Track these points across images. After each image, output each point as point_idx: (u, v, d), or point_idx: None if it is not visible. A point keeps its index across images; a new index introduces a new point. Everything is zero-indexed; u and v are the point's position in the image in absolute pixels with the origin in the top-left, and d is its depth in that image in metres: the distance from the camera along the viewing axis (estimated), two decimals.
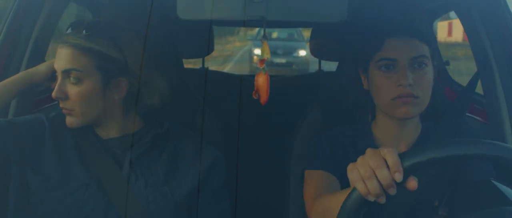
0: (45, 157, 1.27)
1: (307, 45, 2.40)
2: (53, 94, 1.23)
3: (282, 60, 11.97)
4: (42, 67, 1.33)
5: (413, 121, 1.31)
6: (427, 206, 1.23)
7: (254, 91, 1.12)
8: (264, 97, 1.12)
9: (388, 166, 0.88)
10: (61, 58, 1.24)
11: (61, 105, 1.26)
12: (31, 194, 1.23)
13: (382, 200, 0.89)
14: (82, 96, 1.24)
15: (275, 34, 12.75)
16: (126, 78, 1.27)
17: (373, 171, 0.88)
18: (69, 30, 1.27)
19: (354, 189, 0.91)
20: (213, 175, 1.34)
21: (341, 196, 1.02)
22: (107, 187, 1.25)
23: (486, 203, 0.93)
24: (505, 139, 1.41)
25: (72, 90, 1.24)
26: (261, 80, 1.11)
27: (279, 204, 1.61)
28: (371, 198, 0.89)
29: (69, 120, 1.27)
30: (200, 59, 2.53)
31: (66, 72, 1.24)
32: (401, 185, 0.88)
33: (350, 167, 0.93)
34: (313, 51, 2.25)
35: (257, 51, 12.29)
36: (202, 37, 2.20)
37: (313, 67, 2.62)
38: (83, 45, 1.24)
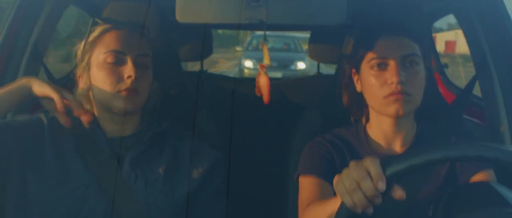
0: (45, 157, 1.27)
1: (307, 56, 2.37)
2: (133, 75, 1.26)
3: (277, 74, 10.28)
4: (39, 86, 1.25)
5: (407, 121, 1.32)
6: (425, 207, 1.23)
7: (256, 89, 1.12)
8: (266, 97, 1.12)
9: (371, 177, 0.89)
10: (134, 41, 1.30)
11: (125, 86, 1.27)
12: (31, 193, 1.23)
13: (370, 211, 0.90)
14: (147, 81, 1.32)
15: (269, 44, 11.14)
16: None
17: (357, 183, 0.89)
18: (105, 19, 1.35)
19: (342, 203, 0.92)
20: (213, 176, 1.35)
21: (329, 205, 1.05)
22: (107, 187, 1.25)
23: (484, 205, 0.94)
24: (503, 141, 1.41)
25: (141, 73, 1.29)
26: (263, 81, 1.12)
27: (278, 205, 1.61)
28: (358, 210, 0.90)
29: (127, 102, 1.28)
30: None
31: (141, 56, 1.30)
32: (387, 195, 0.89)
33: (335, 179, 0.94)
34: (312, 54, 2.25)
35: (248, 63, 11.14)
36: (201, 40, 2.20)
37: None
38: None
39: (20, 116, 1.33)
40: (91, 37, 1.33)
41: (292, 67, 11.13)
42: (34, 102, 1.67)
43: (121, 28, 1.33)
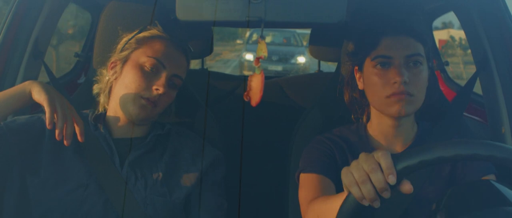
0: (45, 158, 1.26)
1: (307, 50, 2.41)
2: (162, 91, 1.28)
3: (278, 68, 10.77)
4: (38, 93, 1.20)
5: (408, 120, 1.32)
6: (425, 207, 1.23)
7: (245, 93, 1.12)
8: (255, 98, 1.12)
9: (381, 169, 0.88)
10: (176, 57, 1.35)
11: (151, 96, 1.28)
12: (31, 194, 1.23)
13: (377, 204, 0.89)
14: (172, 97, 1.35)
15: (269, 38, 11.69)
16: None
17: (367, 175, 0.89)
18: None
19: (350, 193, 0.91)
20: (212, 171, 1.35)
21: (335, 201, 1.04)
22: (106, 187, 1.25)
23: (485, 203, 0.93)
24: (504, 139, 1.41)
25: (171, 89, 1.33)
26: (255, 81, 1.11)
27: (279, 203, 1.61)
28: (366, 203, 0.90)
29: (148, 112, 1.30)
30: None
31: (174, 77, 1.33)
32: (395, 189, 0.89)
33: (344, 171, 0.94)
34: (313, 52, 2.25)
35: (249, 56, 11.34)
36: (202, 38, 2.20)
37: None
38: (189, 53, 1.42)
39: (21, 116, 1.32)
40: (142, 35, 1.35)
41: (292, 61, 11.22)
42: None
43: (173, 43, 1.35)
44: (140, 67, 1.30)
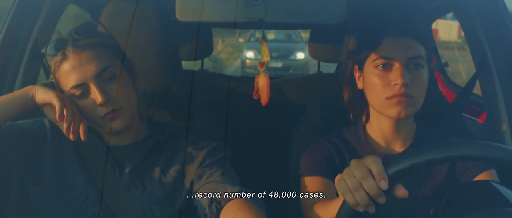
0: (46, 164, 1.24)
1: (306, 47, 2.44)
2: (101, 100, 1.17)
3: (278, 64, 11.04)
4: (43, 93, 1.18)
5: (407, 122, 1.32)
6: (425, 206, 1.23)
7: (254, 92, 1.13)
8: (265, 98, 1.13)
9: (373, 175, 0.88)
10: (85, 64, 1.19)
11: (105, 111, 1.20)
12: (31, 202, 1.22)
13: (372, 209, 0.90)
14: (125, 89, 1.22)
15: (271, 36, 11.90)
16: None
17: (360, 182, 0.89)
18: (50, 50, 1.21)
19: (345, 200, 0.92)
20: (214, 155, 1.31)
21: (333, 206, 1.05)
22: (106, 197, 1.23)
23: (485, 204, 0.94)
24: (504, 140, 1.41)
25: (112, 88, 1.20)
26: (262, 82, 1.13)
27: (279, 205, 1.60)
28: (360, 209, 0.90)
29: (117, 123, 1.21)
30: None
31: (101, 73, 1.19)
32: (389, 193, 0.89)
33: (337, 178, 0.95)
34: (312, 52, 2.25)
35: (250, 54, 11.67)
36: (201, 39, 2.20)
37: (313, 71, 2.63)
38: (101, 42, 1.22)
39: (22, 120, 1.31)
40: (52, 69, 1.24)
41: (292, 57, 11.55)
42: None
43: (70, 55, 1.20)
44: (76, 101, 1.21)
